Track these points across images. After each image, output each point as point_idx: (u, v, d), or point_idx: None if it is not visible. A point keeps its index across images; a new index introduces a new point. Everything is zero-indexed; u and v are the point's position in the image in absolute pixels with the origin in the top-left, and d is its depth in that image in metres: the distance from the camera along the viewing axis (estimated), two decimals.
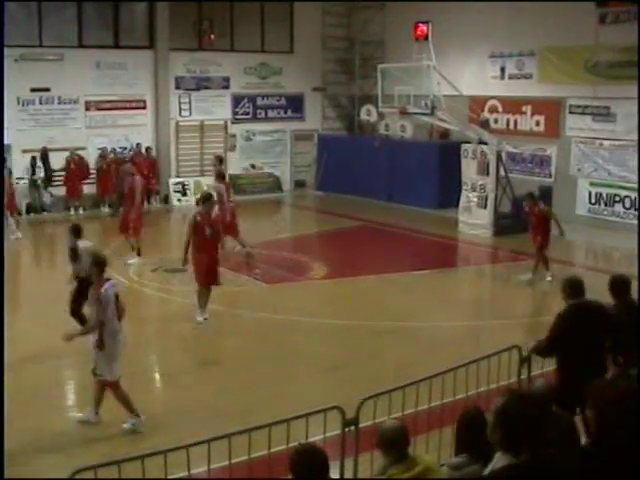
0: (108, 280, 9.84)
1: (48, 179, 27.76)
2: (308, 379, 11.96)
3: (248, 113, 31.82)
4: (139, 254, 19.42)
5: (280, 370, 12.16)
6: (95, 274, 9.84)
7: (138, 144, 29.03)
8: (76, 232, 13.20)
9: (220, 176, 20.68)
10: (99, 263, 9.89)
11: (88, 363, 10.25)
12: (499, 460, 5.00)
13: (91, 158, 28.28)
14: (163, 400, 11.31)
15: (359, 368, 12.16)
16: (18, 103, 27.25)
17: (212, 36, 30.78)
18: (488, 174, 23.29)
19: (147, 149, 29.02)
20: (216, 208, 17.16)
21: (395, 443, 5.93)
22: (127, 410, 9.93)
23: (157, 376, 12.63)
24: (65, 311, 12.91)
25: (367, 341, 13.68)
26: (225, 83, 31.11)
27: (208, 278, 14.26)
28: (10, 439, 9.46)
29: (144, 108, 29.62)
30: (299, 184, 32.98)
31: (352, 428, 7.38)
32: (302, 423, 7.29)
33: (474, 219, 23.57)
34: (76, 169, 27.54)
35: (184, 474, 6.97)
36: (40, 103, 27.72)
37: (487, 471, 5.20)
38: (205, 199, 14.75)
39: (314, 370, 12.26)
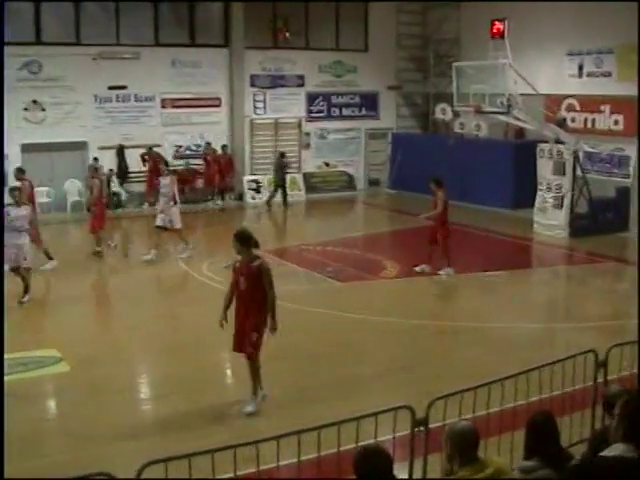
0: None
1: (124, 176, 28.23)
2: (378, 378, 11.89)
3: (322, 111, 31.87)
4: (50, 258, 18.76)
5: (350, 368, 12.12)
6: None
7: (208, 143, 29.33)
8: None
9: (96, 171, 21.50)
10: None
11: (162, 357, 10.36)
12: (615, 449, 5.02)
13: (167, 155, 28.66)
14: (232, 395, 11.35)
15: (430, 368, 12.06)
16: (95, 100, 27.72)
17: (287, 34, 30.87)
18: (564, 174, 22.92)
19: (223, 147, 29.30)
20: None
21: (466, 444, 5.85)
22: None
23: (228, 372, 12.70)
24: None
25: (439, 341, 13.58)
26: (300, 81, 31.20)
27: (235, 341, 10.63)
28: (84, 430, 9.62)
29: (219, 106, 29.89)
30: (373, 182, 32.92)
31: (422, 428, 7.31)
32: (371, 422, 7.24)
33: (550, 220, 23.23)
34: (155, 166, 28.01)
35: (253, 470, 6.97)
36: (117, 101, 28.14)
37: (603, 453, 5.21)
38: (243, 239, 10.45)
39: (385, 369, 12.19)
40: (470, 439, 5.86)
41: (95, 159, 27.23)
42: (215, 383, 11.34)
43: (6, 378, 11.49)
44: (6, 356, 12.18)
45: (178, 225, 19.92)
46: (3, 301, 11.79)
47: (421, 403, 7.37)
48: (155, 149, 28.10)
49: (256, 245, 10.48)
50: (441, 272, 18.13)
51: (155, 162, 27.22)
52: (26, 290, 15.61)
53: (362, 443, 6.24)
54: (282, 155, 29.29)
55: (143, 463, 6.16)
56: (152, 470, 6.18)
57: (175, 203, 20.11)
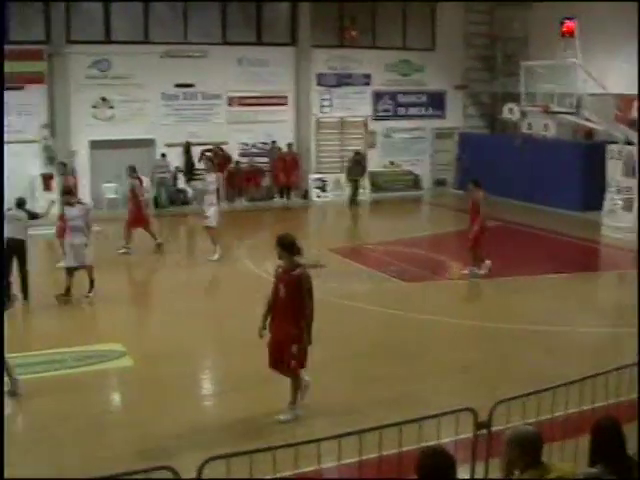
0: None
1: (190, 173, 28.47)
2: (440, 379, 11.80)
3: (388, 110, 31.78)
4: None
5: (412, 368, 12.05)
6: None
7: (274, 141, 29.49)
8: None
9: (133, 171, 21.31)
10: None
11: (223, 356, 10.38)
12: None
13: (233, 153, 28.97)
14: None
15: (493, 371, 11.93)
16: (162, 98, 28.00)
17: (354, 33, 30.79)
18: (635, 176, 22.50)
19: (289, 145, 29.46)
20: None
21: (530, 447, 5.75)
22: None
23: None
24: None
25: (502, 344, 13.42)
26: (366, 80, 31.15)
27: (270, 357, 10.22)
28: (147, 424, 9.71)
29: (285, 104, 29.98)
30: (439, 182, 32.72)
31: (484, 431, 7.22)
32: (433, 423, 7.17)
33: (619, 222, 22.84)
34: (222, 162, 28.40)
35: (314, 467, 6.97)
36: (184, 98, 28.41)
37: None
38: (284, 245, 10.04)
39: (446, 370, 12.09)
40: (534, 442, 5.76)
41: (163, 155, 27.53)
42: (277, 382, 11.34)
43: (71, 370, 11.69)
44: (72, 349, 12.42)
45: (213, 224, 19.70)
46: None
47: (484, 406, 7.28)
48: (220, 147, 28.41)
49: (298, 252, 9.99)
50: (466, 270, 18.01)
51: (224, 159, 27.62)
52: (91, 285, 15.88)
53: (424, 444, 6.18)
54: (357, 153, 29.42)
55: (205, 459, 6.19)
56: (213, 466, 6.21)
57: (217, 202, 19.91)
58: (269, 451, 6.48)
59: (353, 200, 29.17)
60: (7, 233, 14.67)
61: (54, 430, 9.44)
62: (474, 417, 7.18)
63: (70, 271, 15.67)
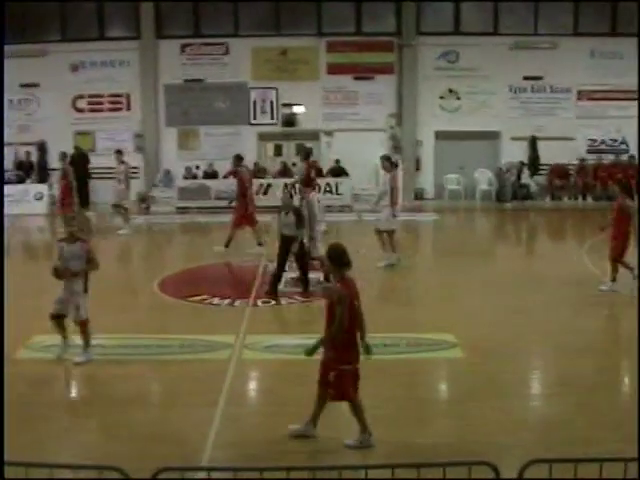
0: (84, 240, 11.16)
1: (535, 168, 28.17)
2: None
3: None
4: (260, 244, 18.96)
5: None
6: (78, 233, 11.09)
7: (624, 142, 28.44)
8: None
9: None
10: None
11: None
12: None
13: (580, 149, 28.22)
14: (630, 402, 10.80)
15: None
16: (510, 90, 27.91)
17: None
18: None
19: (630, 157, 28.52)
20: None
21: None
22: (85, 340, 11.03)
23: (625, 379, 12.11)
24: None
25: None
26: None
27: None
28: (472, 417, 9.63)
29: (636, 100, 28.67)
30: None
31: None
32: None
33: None
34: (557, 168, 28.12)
35: None
36: (531, 91, 28.08)
37: None
38: (329, 256, 8.56)
39: None
40: None
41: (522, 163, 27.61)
42: (605, 390, 10.78)
43: (403, 356, 11.87)
44: (405, 334, 12.65)
45: (383, 227, 17.78)
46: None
47: None
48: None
49: (347, 265, 8.42)
50: (603, 287, 15.57)
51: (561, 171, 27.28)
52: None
53: None
54: None
55: (527, 460, 6.01)
56: (536, 468, 6.01)
57: (393, 204, 17.75)
58: (596, 462, 6.17)
59: None
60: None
61: (378, 411, 9.62)
62: None
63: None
